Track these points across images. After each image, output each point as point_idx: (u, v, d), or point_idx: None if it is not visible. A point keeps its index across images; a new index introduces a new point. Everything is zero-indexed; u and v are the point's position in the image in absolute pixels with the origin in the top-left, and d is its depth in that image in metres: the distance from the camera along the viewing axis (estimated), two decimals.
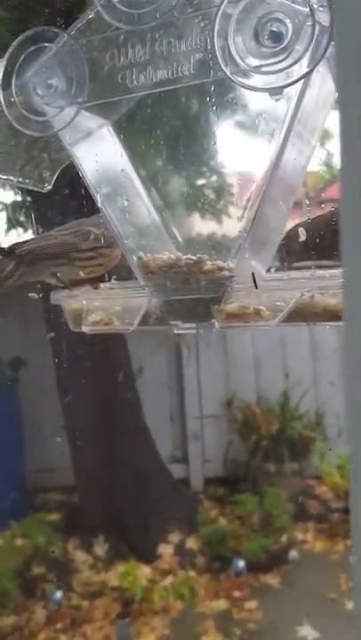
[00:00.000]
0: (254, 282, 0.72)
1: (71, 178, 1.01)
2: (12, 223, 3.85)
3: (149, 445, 3.87)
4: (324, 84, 0.80)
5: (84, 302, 0.86)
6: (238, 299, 0.77)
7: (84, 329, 0.85)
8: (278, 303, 0.73)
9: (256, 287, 0.72)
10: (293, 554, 3.54)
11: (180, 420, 4.57)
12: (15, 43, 0.81)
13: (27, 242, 1.09)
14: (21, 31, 0.80)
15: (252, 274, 0.73)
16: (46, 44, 0.81)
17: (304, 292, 0.72)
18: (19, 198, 3.73)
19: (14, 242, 1.11)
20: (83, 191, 0.91)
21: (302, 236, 0.84)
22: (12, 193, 3.69)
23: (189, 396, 4.51)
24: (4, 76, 0.82)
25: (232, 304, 0.76)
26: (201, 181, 1.10)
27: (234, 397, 4.42)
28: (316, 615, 2.96)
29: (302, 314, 0.74)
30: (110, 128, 0.98)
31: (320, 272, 0.80)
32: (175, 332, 0.84)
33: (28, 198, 3.47)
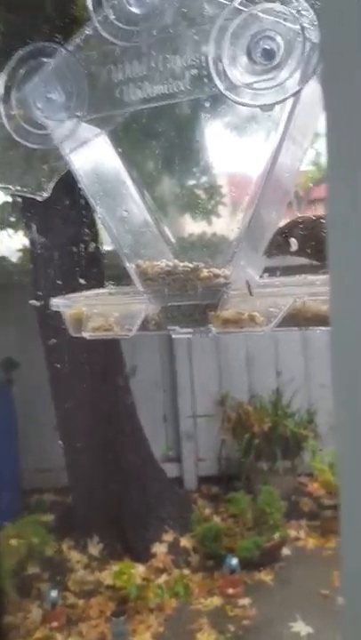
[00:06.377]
0: (249, 289, 0.75)
1: (64, 181, 1.03)
2: (3, 224, 3.87)
3: (143, 445, 3.89)
4: (318, 89, 0.83)
5: (84, 309, 0.89)
6: (234, 305, 0.79)
7: (85, 335, 0.87)
8: (272, 309, 0.76)
9: (251, 294, 0.75)
10: (286, 551, 3.58)
11: (173, 420, 4.59)
12: (15, 57, 0.84)
13: None
14: (21, 47, 0.83)
15: (247, 282, 0.75)
16: (45, 60, 0.84)
17: (296, 298, 0.75)
18: (9, 199, 3.74)
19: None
20: (71, 195, 0.93)
21: (293, 247, 0.87)
22: (1, 194, 3.71)
23: (182, 396, 4.53)
24: (4, 89, 0.84)
25: (228, 310, 0.79)
26: (196, 186, 1.13)
27: (227, 396, 4.45)
28: (310, 611, 3.00)
29: (295, 319, 0.77)
30: (106, 137, 1.01)
31: (311, 277, 0.83)
32: (173, 336, 0.86)
33: (19, 199, 3.48)
